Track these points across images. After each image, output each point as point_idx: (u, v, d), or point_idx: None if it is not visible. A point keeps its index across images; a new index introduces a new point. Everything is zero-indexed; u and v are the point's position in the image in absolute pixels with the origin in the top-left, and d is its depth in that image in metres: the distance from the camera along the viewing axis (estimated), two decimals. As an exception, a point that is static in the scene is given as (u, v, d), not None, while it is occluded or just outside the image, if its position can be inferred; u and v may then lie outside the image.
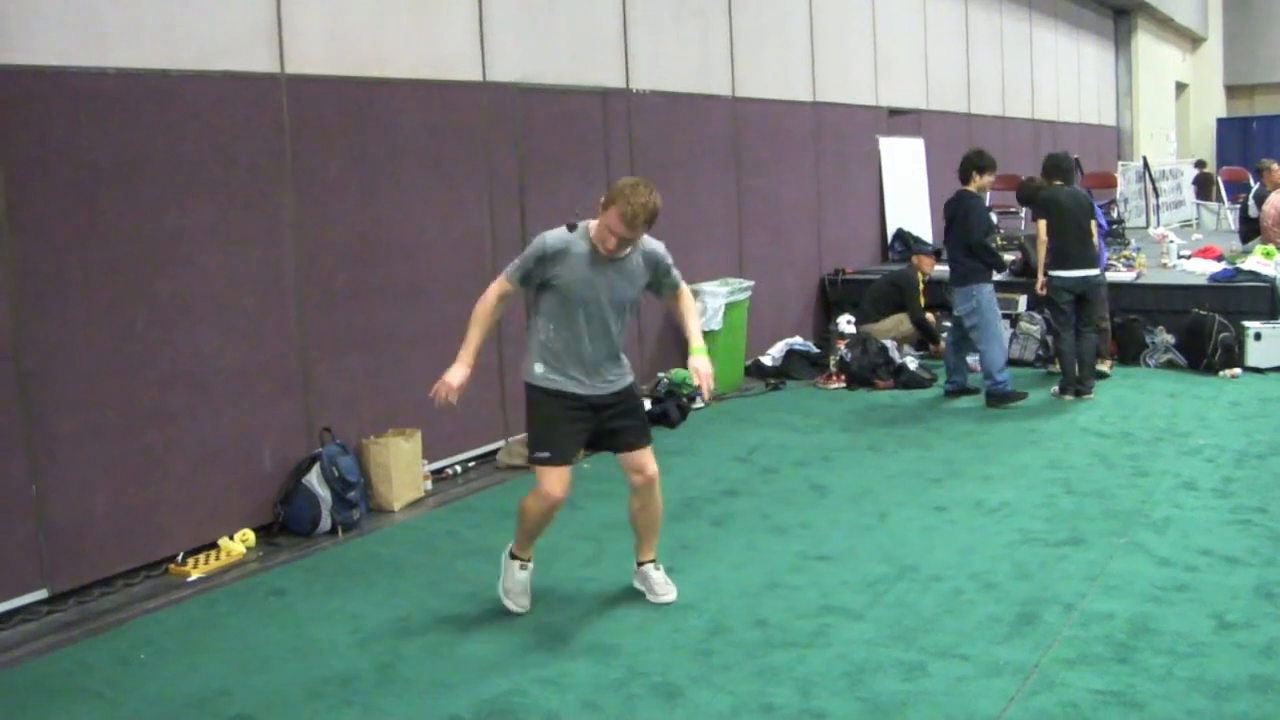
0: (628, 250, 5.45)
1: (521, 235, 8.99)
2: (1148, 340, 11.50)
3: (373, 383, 7.91)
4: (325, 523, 7.18)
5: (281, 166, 7.26)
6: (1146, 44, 28.30)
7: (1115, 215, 16.77)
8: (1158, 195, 19.57)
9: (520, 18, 9.14)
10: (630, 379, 5.72)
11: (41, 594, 6.09)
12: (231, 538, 6.91)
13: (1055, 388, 10.33)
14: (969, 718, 4.50)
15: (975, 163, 10.19)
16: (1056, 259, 10.09)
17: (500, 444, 8.88)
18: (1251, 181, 17.63)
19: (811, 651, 5.17)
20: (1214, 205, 21.53)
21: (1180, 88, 32.85)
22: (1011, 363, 11.68)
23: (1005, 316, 12.15)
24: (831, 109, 13.83)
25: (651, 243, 5.58)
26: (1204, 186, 23.22)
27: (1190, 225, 20.28)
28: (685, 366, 10.77)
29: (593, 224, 5.46)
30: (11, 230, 5.88)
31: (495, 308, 5.73)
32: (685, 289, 5.81)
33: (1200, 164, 24.82)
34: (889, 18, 15.48)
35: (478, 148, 8.70)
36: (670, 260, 5.67)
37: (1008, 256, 14.10)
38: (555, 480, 5.58)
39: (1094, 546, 6.39)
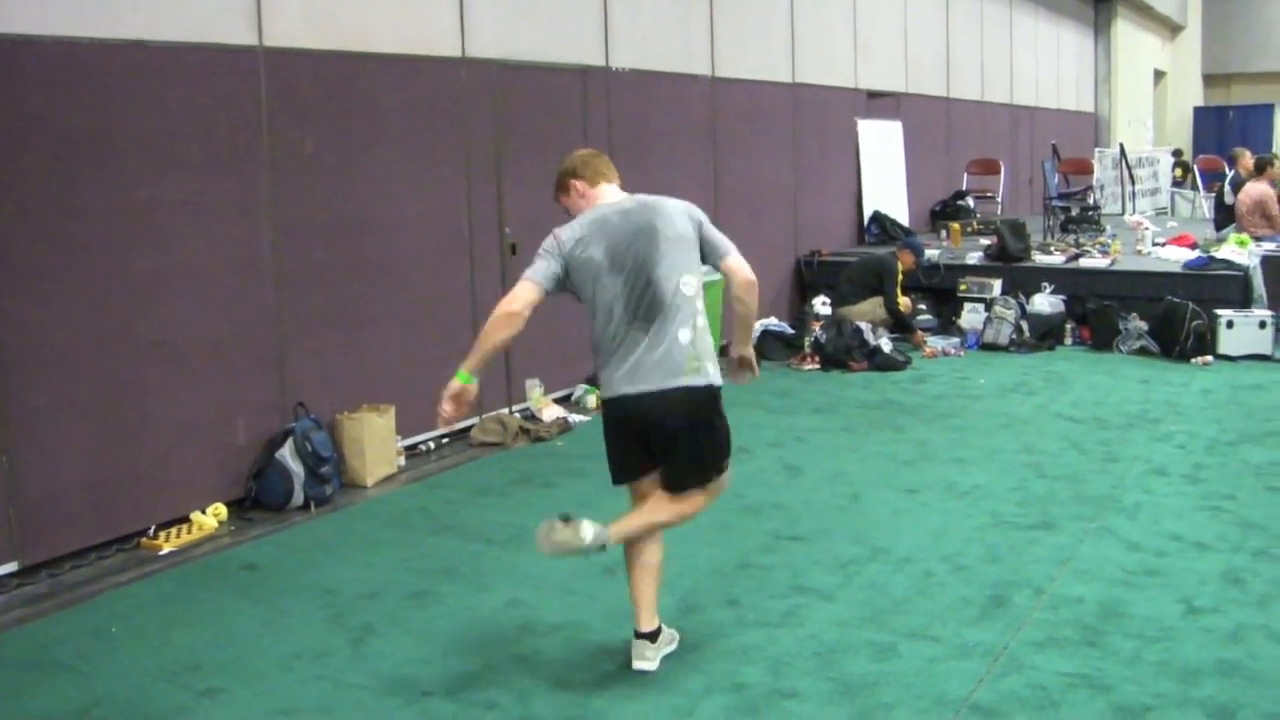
0: None
1: (499, 212, 8.98)
2: (1121, 327, 11.55)
3: (347, 358, 7.90)
4: (298, 497, 7.16)
5: (259, 140, 7.22)
6: (1126, 31, 28.36)
7: (1091, 201, 16.83)
8: (1134, 182, 19.62)
9: (500, -6, 9.12)
10: None
11: (12, 566, 6.07)
12: (204, 512, 6.90)
13: None
14: (938, 698, 4.53)
15: None
16: None
17: (474, 421, 8.87)
18: (1226, 170, 17.71)
19: (783, 631, 5.20)
20: (1189, 193, 21.62)
21: (1158, 76, 32.94)
22: (985, 347, 11.78)
23: (979, 301, 12.25)
24: (810, 90, 13.82)
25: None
26: (1186, 173, 23.35)
27: (1165, 213, 20.34)
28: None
29: None
30: (-15, 200, 5.85)
31: None
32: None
33: (1177, 153, 24.91)
34: (869, 0, 15.48)
35: (456, 124, 8.67)
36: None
37: (983, 241, 14.19)
38: None
39: (1065, 530, 6.43)
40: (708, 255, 4.96)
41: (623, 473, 4.91)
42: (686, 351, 4.72)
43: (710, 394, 4.79)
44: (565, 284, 4.78)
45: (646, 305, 4.71)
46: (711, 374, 4.78)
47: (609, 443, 4.89)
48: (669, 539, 5.00)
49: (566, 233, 4.78)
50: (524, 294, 4.68)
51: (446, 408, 4.70)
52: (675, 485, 4.82)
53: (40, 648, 5.30)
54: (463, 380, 4.67)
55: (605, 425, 4.89)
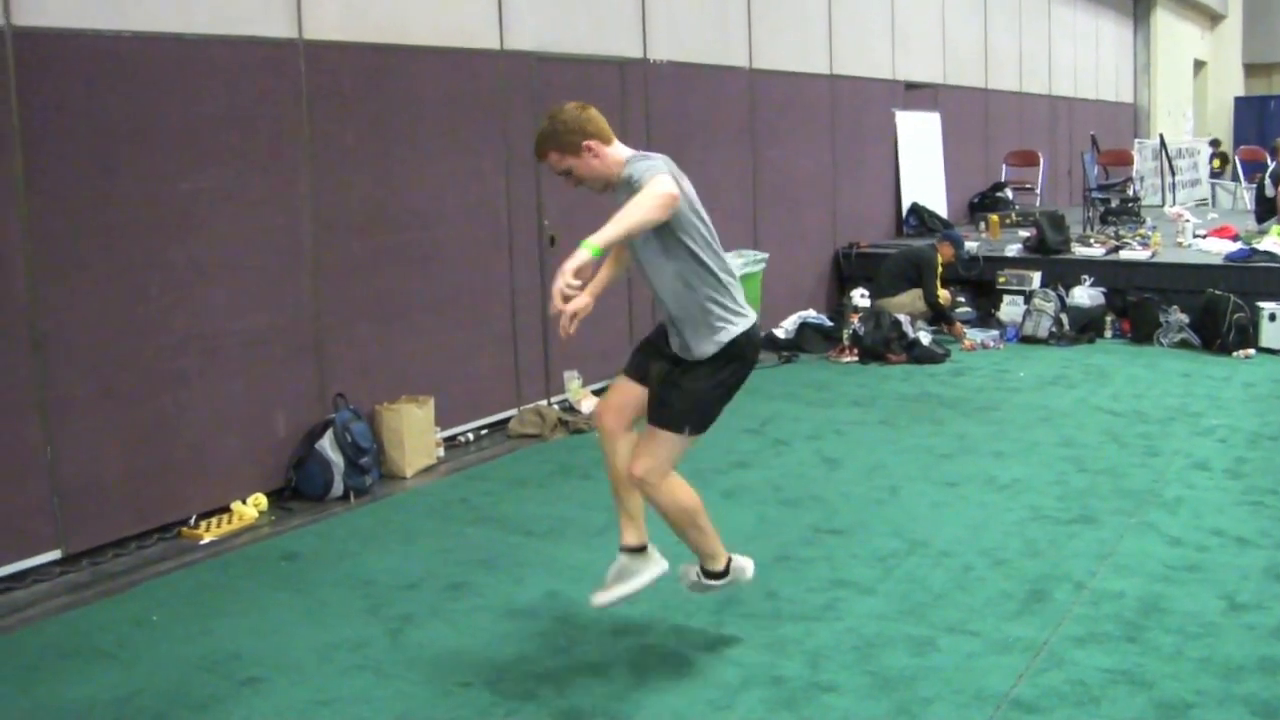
0: (594, 186, 4.64)
1: (537, 204, 8.99)
2: (1162, 319, 11.46)
3: (386, 349, 7.92)
4: (338, 488, 7.20)
5: (298, 132, 7.25)
6: (1165, 21, 28.13)
7: (1131, 193, 16.70)
8: (1174, 173, 19.47)
9: (538, -14, 9.12)
10: (699, 355, 4.62)
11: (55, 554, 6.12)
12: (244, 502, 6.94)
13: None
14: (978, 693, 4.51)
15: None
16: None
17: (513, 412, 8.89)
18: (1269, 161, 17.54)
19: (821, 625, 5.18)
20: (1230, 184, 21.44)
21: (1199, 65, 32.66)
22: (1024, 340, 11.72)
23: (1018, 293, 12.18)
24: (848, 82, 13.77)
25: (630, 168, 4.49)
26: (1225, 164, 23.17)
27: (1206, 204, 20.17)
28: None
29: None
30: (28, 193, 5.88)
31: None
32: (642, 189, 4.29)
33: (1215, 143, 24.70)
34: (908, -9, 15.43)
35: (495, 116, 8.69)
36: (635, 174, 4.43)
37: (1022, 233, 14.12)
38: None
39: (1105, 525, 6.39)
40: None
41: None
42: None
43: None
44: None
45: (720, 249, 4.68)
46: None
47: (737, 385, 4.76)
48: (721, 526, 5.04)
49: (670, 168, 4.43)
50: (672, 186, 4.27)
51: (571, 282, 4.13)
52: None
53: (82, 635, 5.35)
54: (594, 253, 4.11)
55: (745, 363, 4.71)
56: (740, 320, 4.63)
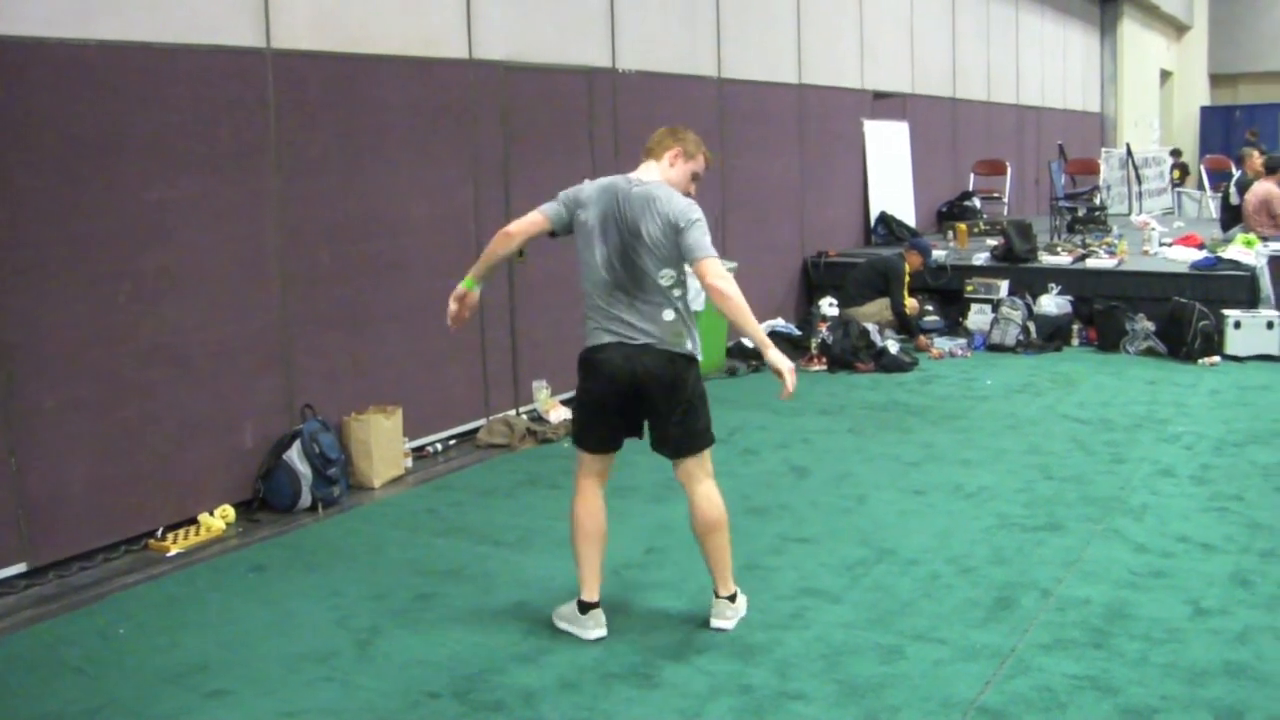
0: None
1: (505, 213, 8.98)
2: (1128, 327, 11.54)
3: (354, 359, 7.90)
4: (305, 499, 7.17)
5: (266, 142, 7.23)
6: (1132, 31, 28.33)
7: (1097, 202, 16.80)
8: (1140, 182, 19.61)
9: (507, -5, 9.12)
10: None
11: (20, 567, 6.07)
12: (211, 513, 6.90)
13: None
14: (945, 700, 4.53)
15: None
16: None
17: (481, 422, 8.88)
18: (1233, 170, 17.67)
19: (789, 633, 5.19)
20: (1195, 193, 21.59)
21: (1165, 76, 32.90)
22: (991, 348, 11.78)
23: (986, 302, 12.24)
24: (816, 91, 13.82)
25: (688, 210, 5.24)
26: (1185, 175, 23.35)
27: (1172, 213, 20.31)
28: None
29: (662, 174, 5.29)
30: (-7, 202, 5.86)
31: None
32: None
33: (1175, 153, 24.89)
34: (875, 1, 15.47)
35: (463, 126, 8.68)
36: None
37: (989, 241, 14.18)
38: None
39: (1072, 532, 6.43)
40: None
41: None
42: None
43: None
44: None
45: None
46: None
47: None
48: (689, 540, 5.04)
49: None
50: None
51: (452, 306, 5.43)
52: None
53: (48, 649, 5.31)
54: (467, 285, 5.50)
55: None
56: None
